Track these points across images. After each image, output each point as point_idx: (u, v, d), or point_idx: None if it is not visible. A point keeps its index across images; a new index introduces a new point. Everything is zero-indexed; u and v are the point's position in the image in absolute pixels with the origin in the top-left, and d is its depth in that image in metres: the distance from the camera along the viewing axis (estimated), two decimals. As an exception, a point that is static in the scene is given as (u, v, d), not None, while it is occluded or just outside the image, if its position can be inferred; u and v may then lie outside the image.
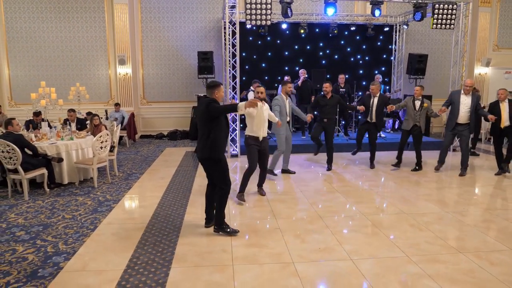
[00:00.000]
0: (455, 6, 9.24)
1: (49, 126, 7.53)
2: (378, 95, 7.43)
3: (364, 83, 11.69)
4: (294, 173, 7.17)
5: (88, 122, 8.36)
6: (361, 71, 12.05)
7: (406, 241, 4.19)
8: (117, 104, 10.74)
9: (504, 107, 7.01)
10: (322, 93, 7.39)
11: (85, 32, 11.28)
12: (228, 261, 3.70)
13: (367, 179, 6.93)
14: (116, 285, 3.26)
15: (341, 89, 9.81)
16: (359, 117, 8.79)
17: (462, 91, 7.16)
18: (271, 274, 3.48)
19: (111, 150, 7.07)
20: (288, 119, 6.58)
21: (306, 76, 10.09)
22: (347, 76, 10.51)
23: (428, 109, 7.28)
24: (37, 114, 8.25)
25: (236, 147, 8.87)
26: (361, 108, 7.38)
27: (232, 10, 8.76)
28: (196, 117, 4.25)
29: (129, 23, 11.24)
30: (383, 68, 12.24)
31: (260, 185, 5.91)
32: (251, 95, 9.30)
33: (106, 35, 11.34)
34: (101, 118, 8.83)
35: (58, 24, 11.17)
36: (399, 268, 3.59)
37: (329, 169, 7.48)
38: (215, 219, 4.38)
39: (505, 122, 7.01)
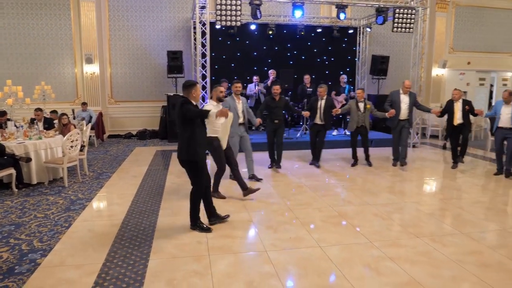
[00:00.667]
0: (413, 11, 9.78)
1: (15, 125, 7.39)
2: (325, 97, 7.64)
3: (330, 83, 12.06)
4: (261, 180, 6.63)
5: (56, 121, 8.25)
6: (327, 72, 12.47)
7: (369, 229, 4.52)
8: (84, 104, 10.60)
9: (457, 106, 7.54)
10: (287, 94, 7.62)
11: (50, 30, 11.05)
12: (204, 252, 3.87)
13: (333, 174, 7.26)
14: (96, 277, 3.37)
15: (307, 89, 10.13)
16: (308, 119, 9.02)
17: (401, 91, 7.70)
18: (246, 262, 3.70)
19: (81, 150, 7.05)
20: (240, 120, 6.35)
21: (275, 76, 10.38)
22: (313, 76, 10.87)
23: (372, 110, 7.75)
24: (1, 114, 8.05)
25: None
26: (305, 113, 7.58)
27: (202, 10, 8.89)
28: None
29: (96, 21, 11.12)
30: (348, 69, 12.70)
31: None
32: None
33: (72, 33, 11.16)
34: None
35: (21, 20, 10.87)
36: (363, 252, 3.90)
37: (278, 167, 7.51)
38: (190, 217, 4.45)
39: (458, 120, 7.54)
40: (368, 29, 12.19)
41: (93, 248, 3.97)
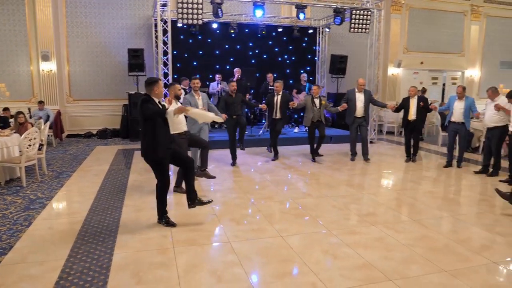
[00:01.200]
0: (369, 12, 10.21)
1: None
2: (281, 93, 7.94)
3: (291, 81, 12.36)
4: (215, 177, 6.26)
5: (11, 120, 7.99)
6: (288, 70, 12.75)
7: (328, 219, 4.75)
8: (41, 102, 10.28)
9: (413, 102, 7.98)
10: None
11: (3, 26, 10.61)
12: (169, 245, 3.95)
13: (293, 169, 7.49)
14: (60, 272, 3.37)
15: (270, 87, 10.35)
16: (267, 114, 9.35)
17: (356, 89, 8.10)
18: (210, 253, 3.83)
19: (40, 149, 6.87)
20: None
21: (240, 75, 10.53)
22: (275, 74, 11.10)
23: (327, 105, 8.10)
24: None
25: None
26: (263, 106, 7.90)
27: (163, 8, 8.87)
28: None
29: (52, 18, 10.80)
30: (308, 68, 13.03)
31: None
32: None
33: (27, 29, 10.77)
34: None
35: (-29, 16, 10.40)
36: (322, 240, 4.12)
37: (242, 148, 8.00)
38: (157, 210, 4.53)
39: (412, 115, 7.98)
40: (327, 29, 12.58)
41: (56, 245, 3.94)
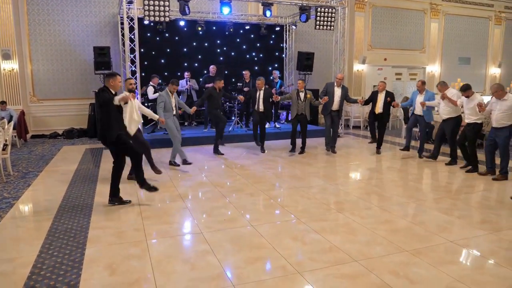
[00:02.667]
0: (334, 10, 10.50)
1: None
2: (263, 89, 8.41)
3: (260, 78, 12.51)
4: (179, 165, 7.26)
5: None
6: (256, 68, 12.89)
7: (297, 208, 4.93)
8: (3, 102, 9.95)
9: (381, 96, 8.30)
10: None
11: (-40, 24, 10.22)
12: (141, 237, 4.00)
13: (264, 163, 7.64)
14: (32, 267, 3.36)
15: (239, 84, 10.52)
16: (250, 110, 9.65)
17: (335, 84, 8.40)
18: (183, 243, 3.91)
19: (4, 149, 6.70)
20: (174, 112, 7.04)
21: (215, 72, 10.68)
22: (243, 72, 11.21)
23: (312, 99, 8.32)
24: None
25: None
26: (240, 98, 8.57)
27: (129, 5, 8.80)
28: None
29: (13, 15, 10.48)
30: (276, 65, 13.23)
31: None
32: (151, 90, 9.46)
33: (-14, 28, 10.41)
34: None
35: None
36: (291, 227, 4.29)
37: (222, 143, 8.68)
38: (110, 190, 5.02)
39: (379, 109, 8.31)
40: (294, 27, 12.82)
41: (26, 242, 3.92)
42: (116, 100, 4.69)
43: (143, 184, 5.06)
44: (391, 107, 8.44)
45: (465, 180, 6.39)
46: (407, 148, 8.13)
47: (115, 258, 3.54)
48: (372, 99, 8.45)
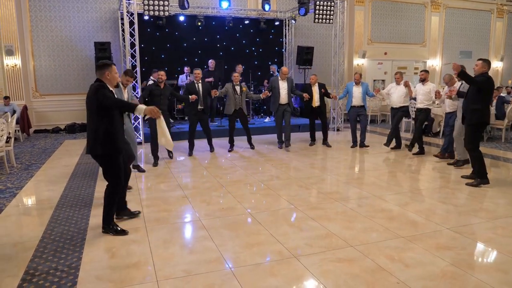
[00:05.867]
0: (333, 3, 10.54)
1: None
2: (200, 82, 7.67)
3: (259, 73, 12.59)
4: (144, 171, 6.41)
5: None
6: (256, 62, 12.94)
7: (294, 197, 5.01)
8: (6, 98, 10.07)
9: (315, 89, 8.38)
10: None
11: (-38, 20, 10.33)
12: (141, 224, 4.10)
13: (263, 156, 7.73)
14: (34, 251, 3.46)
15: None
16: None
17: (279, 78, 8.22)
18: (181, 229, 4.00)
19: (7, 141, 6.81)
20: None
21: (213, 66, 10.75)
22: (243, 67, 11.27)
23: (247, 93, 8.27)
24: None
25: (139, 134, 9.02)
26: (192, 97, 7.20)
27: (129, 0, 8.87)
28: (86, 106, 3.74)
29: (16, 12, 10.57)
30: (276, 59, 13.26)
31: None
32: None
33: (-12, 24, 10.51)
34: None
35: None
36: (289, 215, 4.38)
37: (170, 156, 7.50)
38: (103, 218, 3.83)
39: (316, 102, 8.39)
40: (293, 21, 12.85)
41: (29, 228, 4.03)
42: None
43: (109, 225, 3.81)
44: (326, 97, 8.61)
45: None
46: (355, 144, 8.41)
47: (115, 243, 3.64)
48: (307, 91, 8.28)
